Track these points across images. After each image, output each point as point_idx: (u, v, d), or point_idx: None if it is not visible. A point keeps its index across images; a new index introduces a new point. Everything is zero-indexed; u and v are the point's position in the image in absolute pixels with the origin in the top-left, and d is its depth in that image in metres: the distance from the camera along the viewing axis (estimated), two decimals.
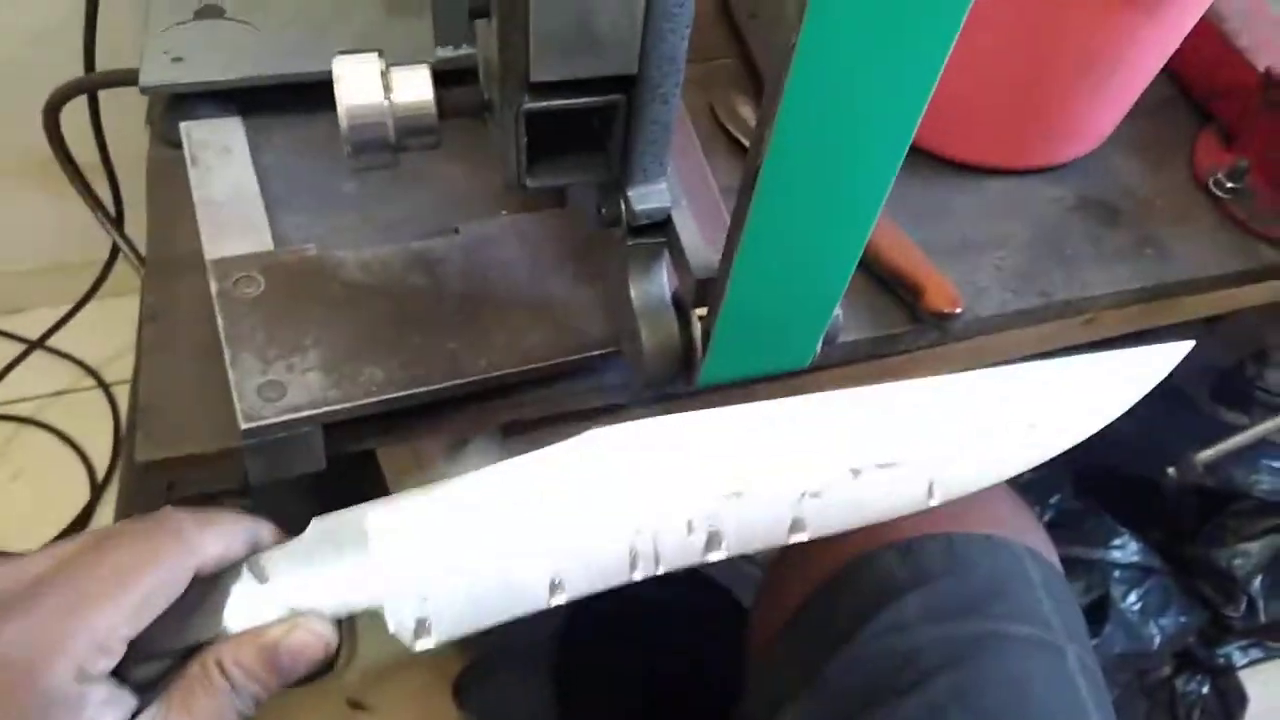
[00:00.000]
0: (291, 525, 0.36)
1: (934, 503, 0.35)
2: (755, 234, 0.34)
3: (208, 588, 0.33)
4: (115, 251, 0.99)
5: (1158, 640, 0.93)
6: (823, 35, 0.26)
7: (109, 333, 1.13)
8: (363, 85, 0.34)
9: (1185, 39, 0.56)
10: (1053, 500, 0.96)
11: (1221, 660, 0.99)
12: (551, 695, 0.83)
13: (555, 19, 0.30)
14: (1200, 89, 0.68)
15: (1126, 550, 0.94)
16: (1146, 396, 0.37)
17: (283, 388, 0.41)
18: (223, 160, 0.50)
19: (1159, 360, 0.37)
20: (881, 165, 0.33)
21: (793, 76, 0.27)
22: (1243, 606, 0.96)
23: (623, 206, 0.37)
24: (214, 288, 0.44)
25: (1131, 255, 0.59)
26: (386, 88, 0.35)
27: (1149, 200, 0.63)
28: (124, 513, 0.82)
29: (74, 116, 0.69)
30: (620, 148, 0.36)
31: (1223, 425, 0.96)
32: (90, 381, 1.14)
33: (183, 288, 0.48)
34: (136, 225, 0.80)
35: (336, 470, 0.63)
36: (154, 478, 0.46)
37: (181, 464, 0.44)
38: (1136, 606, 0.94)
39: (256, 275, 0.45)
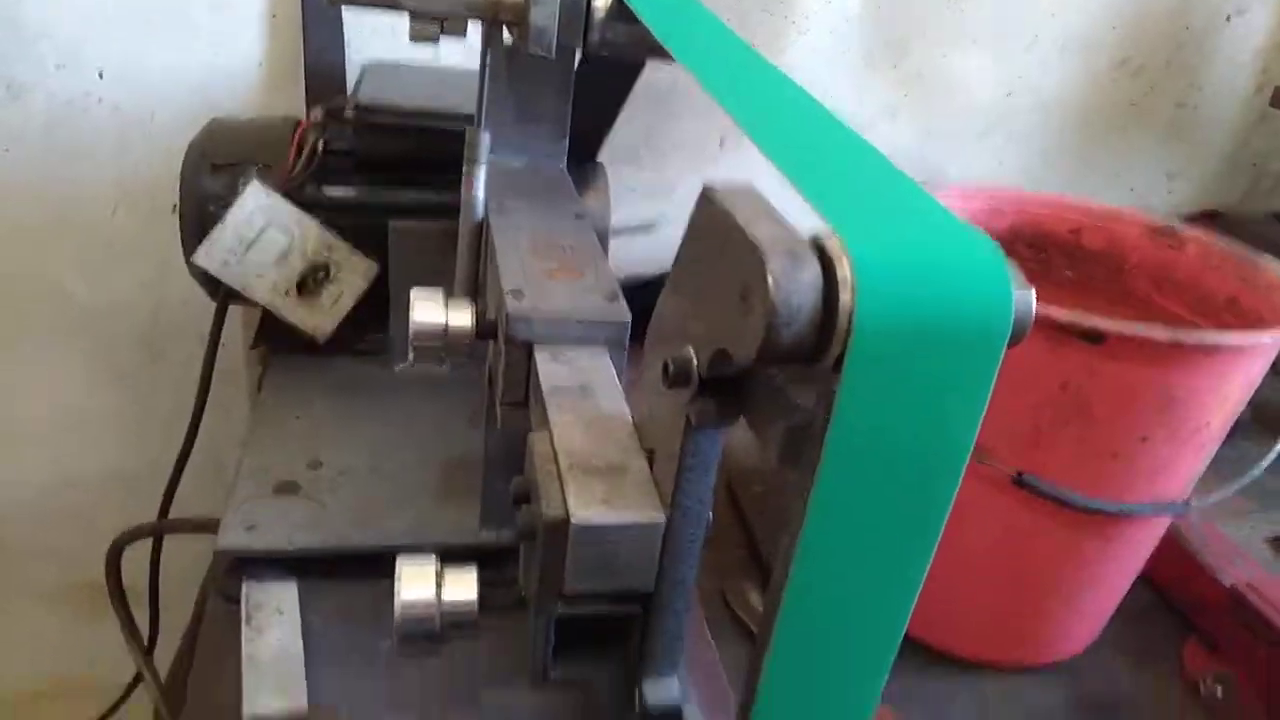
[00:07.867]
0: None
1: None
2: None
3: None
4: (137, 679, 1.00)
5: None
6: (822, 536, 0.30)
7: None
8: (417, 583, 0.40)
9: (1157, 556, 0.62)
10: None
11: None
12: None
13: (589, 552, 0.36)
14: (1178, 600, 0.73)
15: None
16: None
17: None
18: (275, 621, 0.55)
19: None
20: (875, 658, 0.36)
21: (794, 575, 0.31)
22: None
23: (637, 696, 0.41)
24: None
25: None
26: (439, 585, 0.40)
27: (1143, 704, 0.64)
28: None
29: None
30: (637, 648, 0.41)
31: None
32: None
33: None
34: (164, 654, 0.83)
35: None
36: None
37: None
38: None
39: None
